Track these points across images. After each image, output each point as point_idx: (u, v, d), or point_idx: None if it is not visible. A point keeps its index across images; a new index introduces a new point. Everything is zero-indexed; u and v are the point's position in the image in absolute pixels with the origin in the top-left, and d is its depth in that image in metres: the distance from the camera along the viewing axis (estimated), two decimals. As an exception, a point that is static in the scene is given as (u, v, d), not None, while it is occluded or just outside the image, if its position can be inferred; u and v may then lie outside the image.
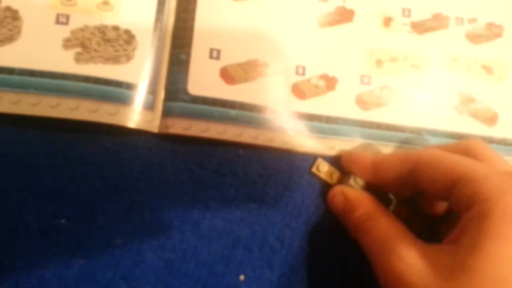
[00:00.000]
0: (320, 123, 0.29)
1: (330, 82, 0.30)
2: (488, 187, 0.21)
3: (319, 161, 0.28)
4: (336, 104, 0.30)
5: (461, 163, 0.23)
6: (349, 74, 0.30)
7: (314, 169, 0.28)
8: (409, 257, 0.22)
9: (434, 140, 0.30)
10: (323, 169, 0.28)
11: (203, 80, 0.28)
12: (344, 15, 0.31)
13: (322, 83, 0.30)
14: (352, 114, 0.30)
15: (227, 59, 0.29)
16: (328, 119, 0.29)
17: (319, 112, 0.29)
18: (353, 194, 0.26)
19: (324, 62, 0.30)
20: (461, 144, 0.26)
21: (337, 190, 0.27)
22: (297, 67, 0.30)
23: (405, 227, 0.24)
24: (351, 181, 0.27)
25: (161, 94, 0.28)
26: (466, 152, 0.25)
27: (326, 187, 0.28)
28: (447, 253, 0.21)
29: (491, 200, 0.21)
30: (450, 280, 0.20)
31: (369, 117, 0.30)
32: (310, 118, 0.29)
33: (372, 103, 0.30)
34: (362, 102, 0.30)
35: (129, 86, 0.27)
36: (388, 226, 0.24)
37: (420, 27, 0.32)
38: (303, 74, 0.30)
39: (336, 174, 0.28)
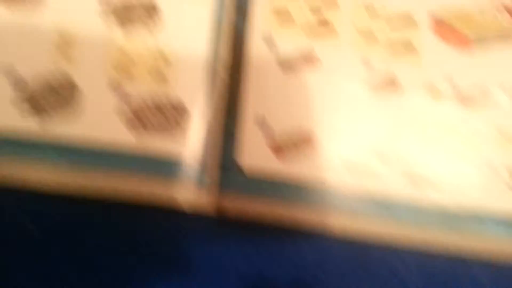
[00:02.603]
0: (374, 203, 0.28)
1: (383, 158, 0.30)
2: None
3: None
4: (389, 182, 0.29)
5: None
6: (401, 151, 0.30)
7: None
8: None
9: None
10: None
11: (254, 154, 0.28)
12: (392, 84, 0.31)
13: (375, 158, 0.29)
14: (402, 190, 0.29)
15: (275, 130, 0.29)
16: (381, 197, 0.29)
17: (373, 190, 0.29)
18: None
19: (377, 137, 0.30)
20: None
21: None
22: (350, 140, 0.29)
23: None
24: None
25: (214, 169, 0.27)
26: None
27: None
28: None
29: None
30: None
31: (421, 196, 0.29)
32: (366, 196, 0.28)
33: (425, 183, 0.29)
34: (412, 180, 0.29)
35: (183, 161, 0.26)
36: None
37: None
38: (357, 148, 0.29)
39: None
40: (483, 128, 0.31)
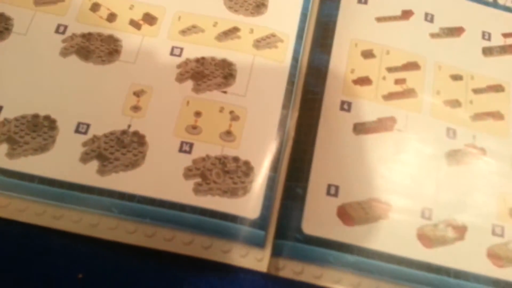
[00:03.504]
0: (448, 278, 0.26)
1: (458, 230, 0.27)
2: None
3: None
4: (465, 257, 0.26)
5: None
6: (480, 222, 0.27)
7: None
8: None
9: None
10: None
11: (318, 219, 0.26)
12: (474, 154, 0.29)
13: (449, 230, 0.27)
14: (484, 270, 0.26)
15: (345, 197, 0.27)
16: (457, 274, 0.26)
17: (446, 264, 0.26)
18: None
19: (452, 206, 0.27)
20: None
21: None
22: (423, 209, 0.27)
23: None
24: None
25: (273, 230, 0.26)
26: None
27: None
28: None
29: None
30: None
31: (505, 276, 0.26)
32: (437, 271, 0.26)
33: (507, 260, 0.26)
34: (495, 257, 0.26)
35: (243, 221, 0.25)
36: None
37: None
38: (429, 218, 0.27)
39: None
40: None
